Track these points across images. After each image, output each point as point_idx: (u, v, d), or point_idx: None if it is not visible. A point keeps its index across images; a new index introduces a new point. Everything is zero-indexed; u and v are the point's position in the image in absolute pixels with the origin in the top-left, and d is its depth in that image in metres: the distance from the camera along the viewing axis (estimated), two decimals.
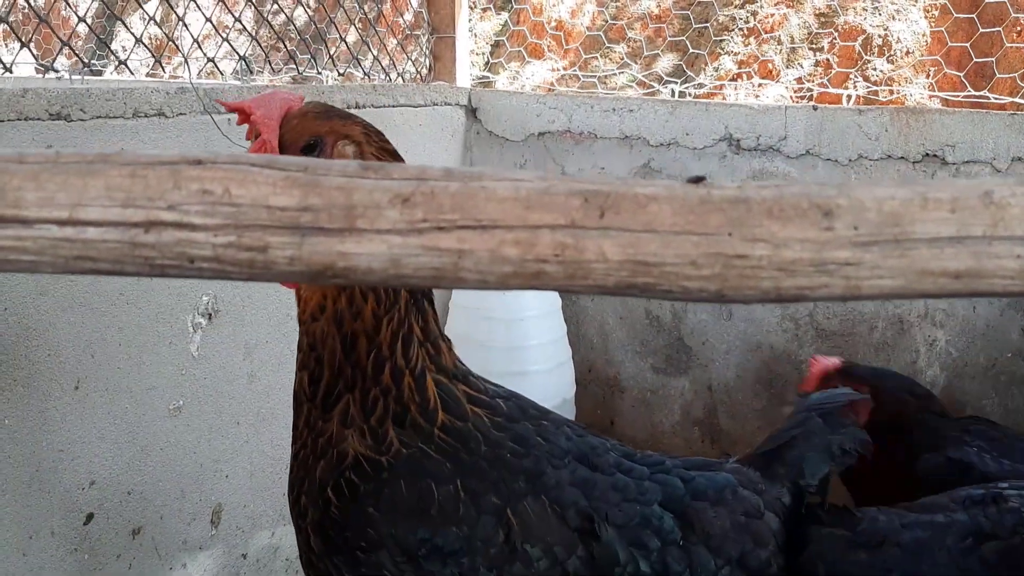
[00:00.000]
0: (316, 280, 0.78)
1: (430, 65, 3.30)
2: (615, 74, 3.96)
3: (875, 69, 3.63)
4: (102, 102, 1.99)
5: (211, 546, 2.35)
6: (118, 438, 2.11)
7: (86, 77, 2.25)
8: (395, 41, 3.60)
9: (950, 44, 3.47)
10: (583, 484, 1.40)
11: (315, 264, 0.76)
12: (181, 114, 2.15)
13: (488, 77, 4.24)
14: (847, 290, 0.76)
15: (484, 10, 4.56)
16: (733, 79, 3.80)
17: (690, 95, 3.64)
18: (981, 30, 3.30)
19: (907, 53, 3.62)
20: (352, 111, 2.56)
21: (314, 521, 1.42)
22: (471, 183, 0.77)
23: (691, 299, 0.77)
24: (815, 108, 2.67)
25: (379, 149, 1.44)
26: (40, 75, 2.30)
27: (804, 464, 1.48)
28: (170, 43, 3.09)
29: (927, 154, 2.53)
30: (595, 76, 3.90)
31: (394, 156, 1.46)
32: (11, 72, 2.25)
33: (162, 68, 3.27)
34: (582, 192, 0.77)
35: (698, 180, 0.78)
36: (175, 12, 3.74)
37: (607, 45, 4.09)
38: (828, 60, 3.69)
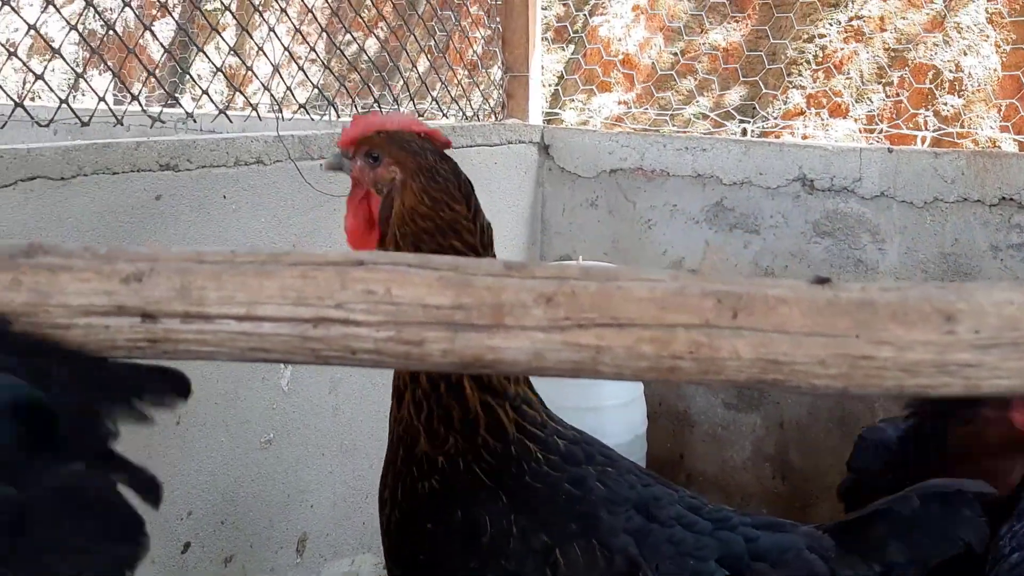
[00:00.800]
0: (467, 369, 0.84)
1: (503, 103, 3.38)
2: (683, 109, 4.01)
3: (945, 104, 3.63)
4: (207, 152, 2.10)
5: (296, 572, 2.43)
6: (214, 470, 2.21)
7: (190, 126, 2.37)
8: (463, 75, 3.69)
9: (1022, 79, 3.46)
10: (637, 532, 1.44)
11: (467, 356, 0.83)
12: (278, 161, 2.25)
13: (556, 112, 4.32)
14: (967, 388, 0.80)
15: (551, 41, 4.64)
16: (801, 114, 3.83)
17: (757, 131, 3.68)
18: None
19: (978, 89, 3.61)
20: None
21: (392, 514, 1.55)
22: (608, 283, 0.83)
23: (817, 394, 0.82)
24: (890, 150, 2.69)
25: (421, 189, 1.53)
26: (122, 107, 2.41)
27: (889, 544, 1.45)
28: (247, 72, 3.20)
29: (1004, 197, 2.54)
30: (664, 112, 3.95)
31: (438, 198, 1.55)
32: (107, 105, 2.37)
33: (242, 95, 3.40)
34: (715, 293, 0.83)
35: (823, 281, 0.83)
36: (251, 39, 3.87)
37: (675, 79, 4.14)
38: (899, 94, 3.70)
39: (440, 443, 1.46)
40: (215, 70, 3.20)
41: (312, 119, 2.76)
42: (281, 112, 2.49)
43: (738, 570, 1.43)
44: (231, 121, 2.41)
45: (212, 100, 2.85)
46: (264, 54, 2.97)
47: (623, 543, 1.41)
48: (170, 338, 0.83)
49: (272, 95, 2.81)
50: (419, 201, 1.55)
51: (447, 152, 1.64)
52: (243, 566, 2.29)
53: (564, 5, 4.61)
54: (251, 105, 2.41)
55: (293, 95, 3.01)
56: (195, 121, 2.41)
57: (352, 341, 0.83)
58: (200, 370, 2.14)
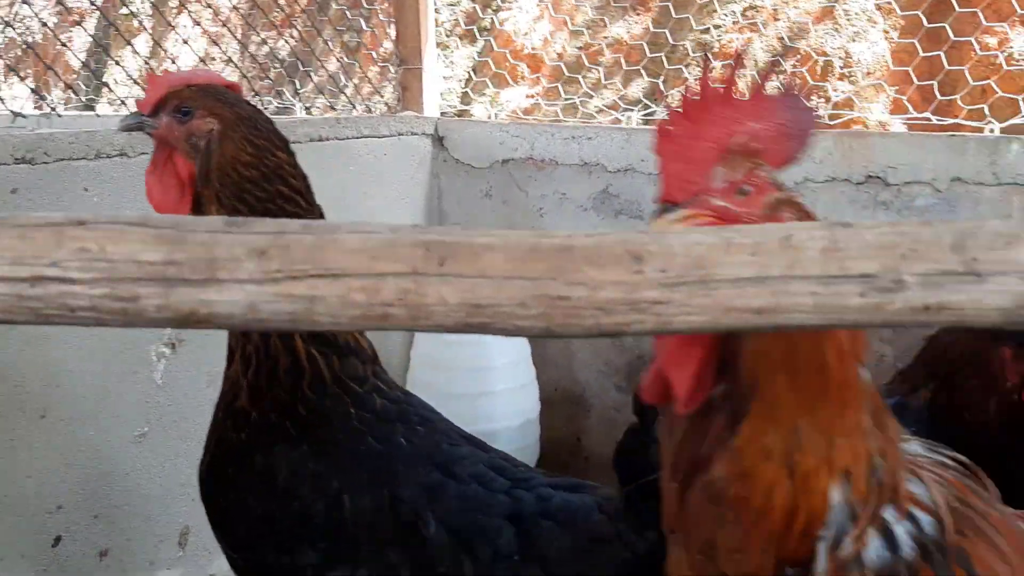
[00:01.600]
0: (183, 325, 0.86)
1: (399, 96, 3.40)
2: (586, 101, 4.06)
3: (836, 91, 3.72)
4: (65, 145, 2.09)
5: (179, 566, 2.43)
6: (84, 464, 2.20)
7: (55, 118, 2.36)
8: (369, 73, 3.72)
9: (915, 63, 3.56)
10: (431, 488, 1.51)
11: (182, 311, 0.85)
12: (143, 153, 2.25)
13: (467, 107, 4.35)
14: (658, 325, 0.84)
15: (461, 37, 4.67)
16: None
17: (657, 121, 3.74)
18: (948, 44, 3.39)
19: (868, 74, 3.71)
20: (316, 143, 2.67)
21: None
22: (324, 236, 0.86)
23: (524, 335, 0.86)
24: None
25: (243, 138, 1.55)
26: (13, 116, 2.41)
27: None
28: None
29: (870, 176, 2.61)
30: (563, 103, 3.99)
31: (261, 145, 1.57)
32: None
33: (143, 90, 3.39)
34: (424, 243, 0.86)
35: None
36: (163, 50, 3.85)
37: (579, 72, 4.19)
38: (792, 82, 3.78)
39: (259, 399, 1.55)
40: (128, 76, 3.20)
41: None
42: None
43: (524, 528, 1.48)
44: (98, 116, 2.40)
45: (124, 102, 2.85)
46: (171, 60, 2.97)
47: (412, 495, 1.47)
48: None
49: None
50: (241, 150, 1.56)
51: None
52: (120, 560, 2.29)
53: (472, 1, 4.65)
54: (121, 100, 2.41)
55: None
56: (60, 117, 2.40)
57: (69, 299, 0.84)
58: (66, 364, 2.15)
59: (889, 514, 1.11)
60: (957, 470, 1.23)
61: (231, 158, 1.55)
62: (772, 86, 1.14)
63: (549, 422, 3.10)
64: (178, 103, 1.59)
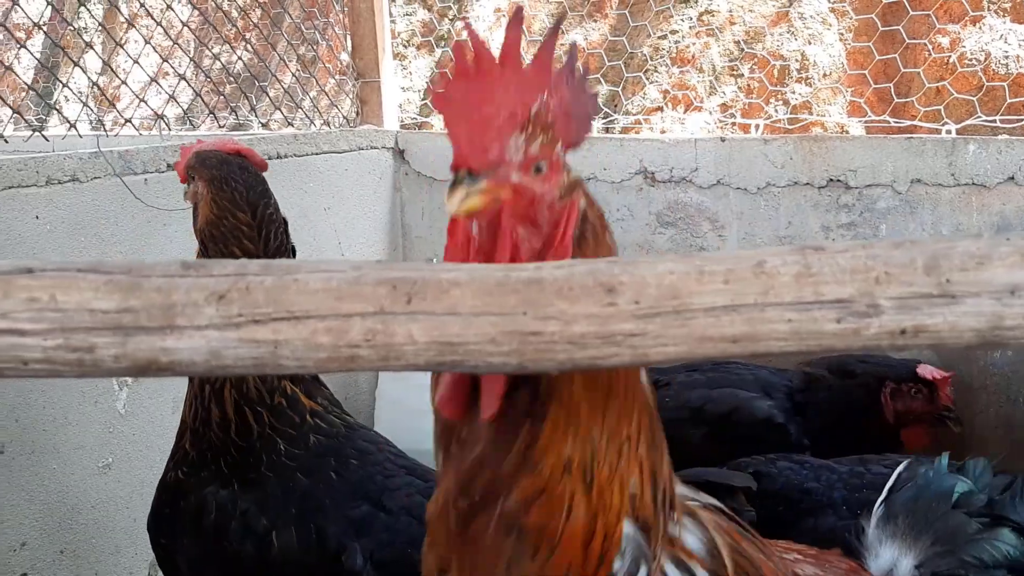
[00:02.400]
0: (144, 374, 0.83)
1: (358, 110, 3.36)
2: None
3: (794, 93, 3.74)
4: (14, 172, 2.04)
5: None
6: (47, 499, 2.14)
7: (1, 143, 2.30)
8: (327, 86, 3.67)
9: (864, 68, 3.59)
10: (360, 520, 1.56)
11: (140, 360, 0.82)
12: (96, 178, 2.20)
13: (425, 119, 4.32)
14: (635, 358, 0.82)
15: (418, 47, 4.64)
16: (658, 109, 3.90)
17: (617, 128, 3.73)
18: (903, 46, 3.42)
19: (824, 76, 3.73)
20: (274, 161, 2.63)
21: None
22: (285, 276, 0.83)
23: (495, 371, 0.84)
24: (723, 140, 2.76)
25: (211, 199, 1.64)
26: None
27: None
28: (115, 93, 3.12)
29: (831, 179, 2.63)
30: None
31: (224, 206, 1.62)
32: None
33: (102, 124, 3.32)
34: (390, 280, 0.83)
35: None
36: (111, 69, 3.78)
37: None
38: (749, 86, 3.80)
39: (198, 440, 1.57)
40: (79, 91, 3.14)
41: (140, 134, 2.70)
42: (103, 128, 2.43)
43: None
44: (47, 140, 2.34)
45: (78, 131, 2.78)
46: (121, 77, 2.91)
47: (338, 529, 1.49)
48: None
49: (94, 111, 2.74)
50: (210, 210, 1.63)
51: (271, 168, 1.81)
52: None
53: (427, 10, 4.62)
54: (69, 123, 2.35)
55: (162, 117, 2.95)
56: (6, 142, 2.34)
57: (21, 351, 0.81)
58: (25, 397, 2.08)
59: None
60: (725, 513, 1.17)
61: (204, 217, 1.67)
62: (558, 62, 1.04)
63: None
64: (190, 171, 1.73)
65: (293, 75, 3.87)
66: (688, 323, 0.82)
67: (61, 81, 5.38)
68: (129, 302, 0.81)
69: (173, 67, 3.65)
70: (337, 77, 3.80)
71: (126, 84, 3.37)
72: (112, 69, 3.83)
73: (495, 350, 0.82)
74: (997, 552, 1.42)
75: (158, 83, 2.89)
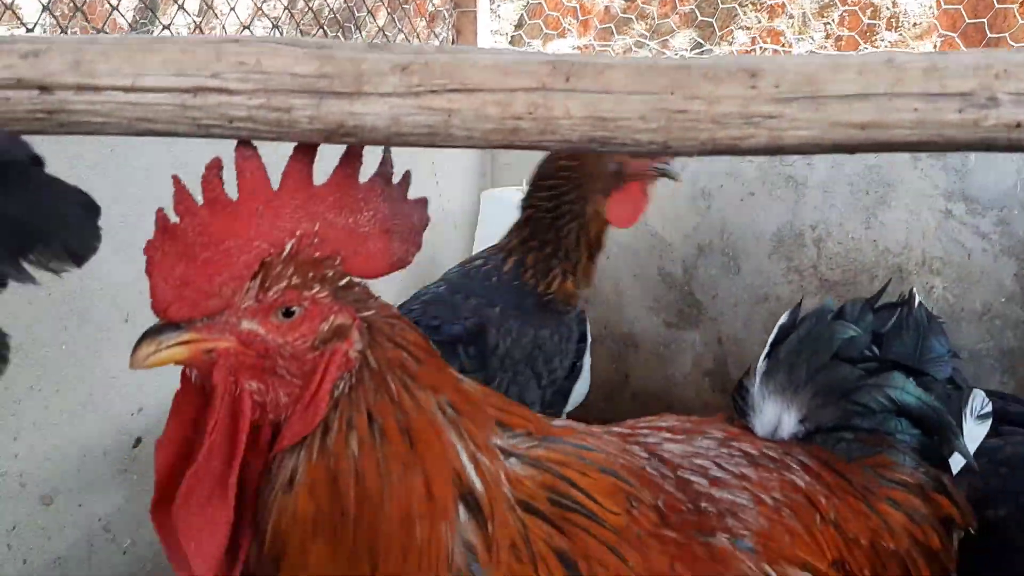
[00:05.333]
0: (331, 138, 0.94)
1: (453, 39, 3.47)
2: (632, 50, 4.11)
3: (883, 40, 3.74)
4: None
5: None
6: (164, 369, 2.30)
7: None
8: (420, 25, 3.78)
9: (961, 17, 3.58)
10: None
11: (330, 123, 0.93)
12: None
13: None
14: (771, 139, 0.91)
15: None
16: (747, 53, 3.93)
17: None
18: (996, 5, 3.41)
19: (914, 24, 3.72)
20: None
21: None
22: (459, 55, 0.93)
23: (642, 149, 0.93)
24: None
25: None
26: None
27: None
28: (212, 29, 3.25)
29: None
30: (615, 47, 4.05)
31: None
32: None
33: None
34: (551, 61, 0.93)
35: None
36: (211, 9, 3.93)
37: (625, 23, 4.24)
38: (838, 32, 3.81)
39: None
40: (176, 32, 3.28)
41: None
42: None
43: None
44: None
45: None
46: (234, 12, 3.06)
47: None
48: (64, 108, 0.92)
49: None
50: None
51: None
52: None
53: None
54: None
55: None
56: None
57: (228, 109, 0.92)
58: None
59: None
60: None
61: None
62: (369, 171, 0.96)
63: (597, 360, 3.16)
64: None
65: (388, 11, 3.99)
66: (822, 108, 0.90)
67: (161, 22, 5.58)
68: (325, 68, 0.92)
69: (266, 14, 3.79)
70: (428, 16, 3.91)
71: (224, 29, 3.51)
72: (212, 8, 3.98)
73: (643, 127, 0.92)
74: (883, 397, 1.32)
75: (249, 30, 3.03)
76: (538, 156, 2.12)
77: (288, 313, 0.91)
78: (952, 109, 0.90)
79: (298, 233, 0.91)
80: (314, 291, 0.91)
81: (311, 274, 0.92)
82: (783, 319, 1.43)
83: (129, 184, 2.10)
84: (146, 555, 2.32)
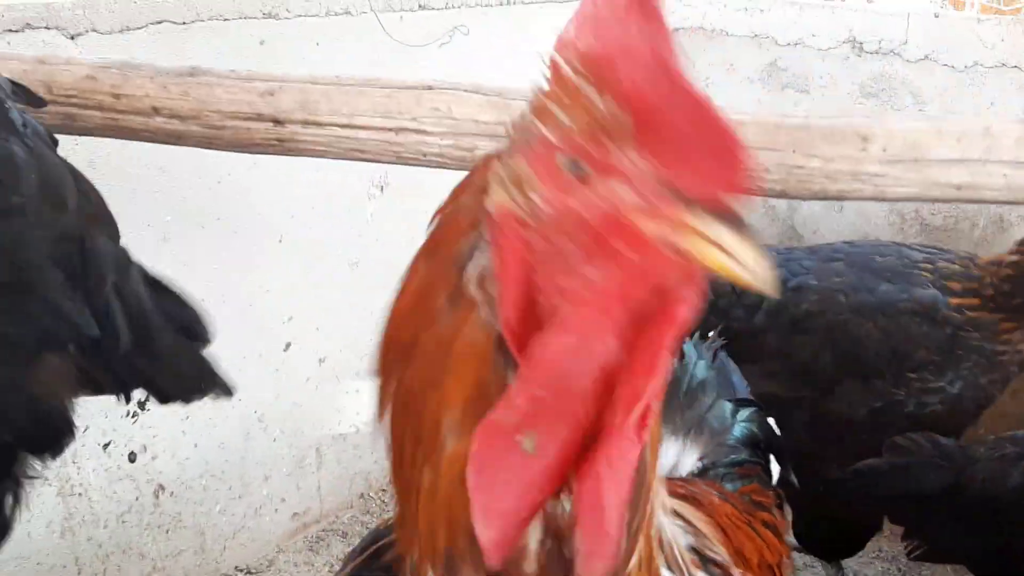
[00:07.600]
0: None
1: None
2: None
3: None
4: (303, 2, 2.38)
5: None
6: (310, 284, 2.59)
7: None
8: None
9: None
10: None
11: None
12: (364, 12, 2.52)
13: None
14: (876, 194, 1.08)
15: None
16: None
17: None
18: None
19: None
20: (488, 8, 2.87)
21: None
22: None
23: (764, 196, 1.11)
24: (936, 15, 2.82)
25: None
26: None
27: None
28: None
29: None
30: None
31: None
32: None
33: None
34: None
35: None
36: None
37: None
38: None
39: None
40: None
41: None
42: None
43: None
44: None
45: None
46: None
47: None
48: (293, 139, 1.15)
49: None
50: None
51: None
52: (333, 367, 2.70)
53: None
54: None
55: None
56: None
57: (423, 147, 1.14)
58: (300, 200, 2.50)
59: None
60: None
61: None
62: None
63: None
64: None
65: None
66: (923, 170, 1.06)
67: None
68: (502, 117, 1.11)
69: None
70: None
71: None
72: None
73: (767, 178, 1.09)
74: (747, 431, 1.25)
75: None
76: None
77: None
78: None
79: None
80: None
81: None
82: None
83: None
84: (294, 442, 2.67)
